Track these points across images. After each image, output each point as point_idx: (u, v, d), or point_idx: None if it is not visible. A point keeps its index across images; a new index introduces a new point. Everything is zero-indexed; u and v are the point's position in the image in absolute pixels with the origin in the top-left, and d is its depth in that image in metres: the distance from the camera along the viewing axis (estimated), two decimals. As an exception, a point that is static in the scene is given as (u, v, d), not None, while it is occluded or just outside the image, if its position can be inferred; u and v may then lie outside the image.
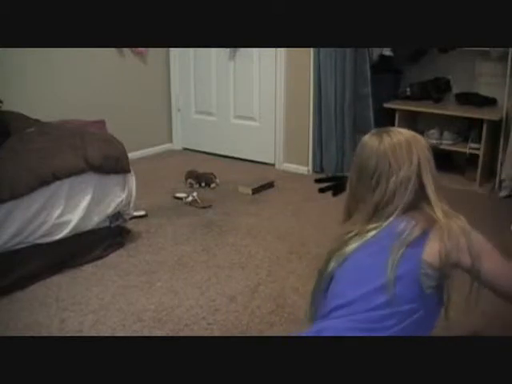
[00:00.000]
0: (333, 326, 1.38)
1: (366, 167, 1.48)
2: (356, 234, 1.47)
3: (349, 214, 1.56)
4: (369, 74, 4.13)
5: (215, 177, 4.07)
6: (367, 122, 4.18)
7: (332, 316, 1.41)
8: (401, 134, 1.49)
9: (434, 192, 1.44)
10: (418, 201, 1.45)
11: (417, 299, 1.35)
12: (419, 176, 1.44)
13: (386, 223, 1.43)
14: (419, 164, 1.44)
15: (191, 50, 4.73)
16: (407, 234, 1.37)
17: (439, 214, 1.40)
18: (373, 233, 1.44)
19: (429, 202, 1.43)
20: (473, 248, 1.37)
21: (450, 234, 1.36)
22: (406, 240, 1.37)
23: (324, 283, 1.51)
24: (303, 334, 1.42)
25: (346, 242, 1.48)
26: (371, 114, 4.18)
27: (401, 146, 1.45)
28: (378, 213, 1.46)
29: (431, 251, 1.36)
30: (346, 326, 1.35)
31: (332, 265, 1.49)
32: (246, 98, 4.60)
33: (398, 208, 1.43)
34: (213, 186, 4.00)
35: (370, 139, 1.50)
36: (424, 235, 1.38)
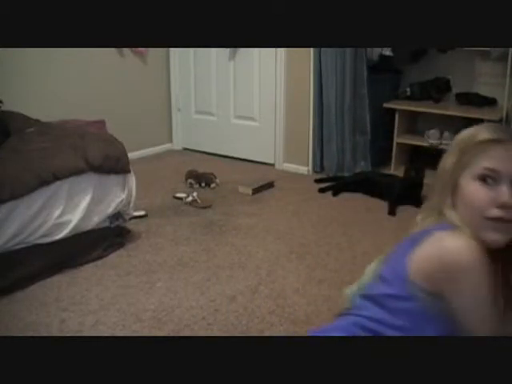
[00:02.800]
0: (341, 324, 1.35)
1: None
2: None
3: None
4: (365, 74, 4.14)
5: (215, 177, 4.07)
6: (363, 122, 4.19)
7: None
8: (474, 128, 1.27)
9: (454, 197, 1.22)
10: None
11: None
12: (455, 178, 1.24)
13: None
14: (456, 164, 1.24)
15: (191, 50, 4.73)
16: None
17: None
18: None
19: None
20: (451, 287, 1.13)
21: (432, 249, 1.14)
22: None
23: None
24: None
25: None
26: (368, 115, 4.18)
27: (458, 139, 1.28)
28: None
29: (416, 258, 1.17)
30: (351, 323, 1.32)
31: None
32: (246, 98, 4.60)
33: (436, 205, 1.25)
34: (213, 186, 4.00)
35: None
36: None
